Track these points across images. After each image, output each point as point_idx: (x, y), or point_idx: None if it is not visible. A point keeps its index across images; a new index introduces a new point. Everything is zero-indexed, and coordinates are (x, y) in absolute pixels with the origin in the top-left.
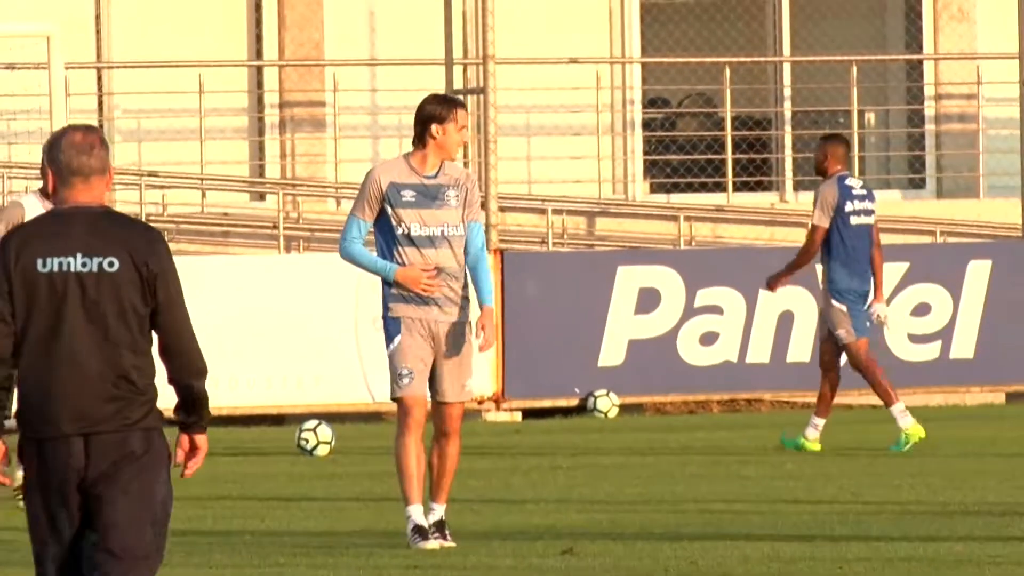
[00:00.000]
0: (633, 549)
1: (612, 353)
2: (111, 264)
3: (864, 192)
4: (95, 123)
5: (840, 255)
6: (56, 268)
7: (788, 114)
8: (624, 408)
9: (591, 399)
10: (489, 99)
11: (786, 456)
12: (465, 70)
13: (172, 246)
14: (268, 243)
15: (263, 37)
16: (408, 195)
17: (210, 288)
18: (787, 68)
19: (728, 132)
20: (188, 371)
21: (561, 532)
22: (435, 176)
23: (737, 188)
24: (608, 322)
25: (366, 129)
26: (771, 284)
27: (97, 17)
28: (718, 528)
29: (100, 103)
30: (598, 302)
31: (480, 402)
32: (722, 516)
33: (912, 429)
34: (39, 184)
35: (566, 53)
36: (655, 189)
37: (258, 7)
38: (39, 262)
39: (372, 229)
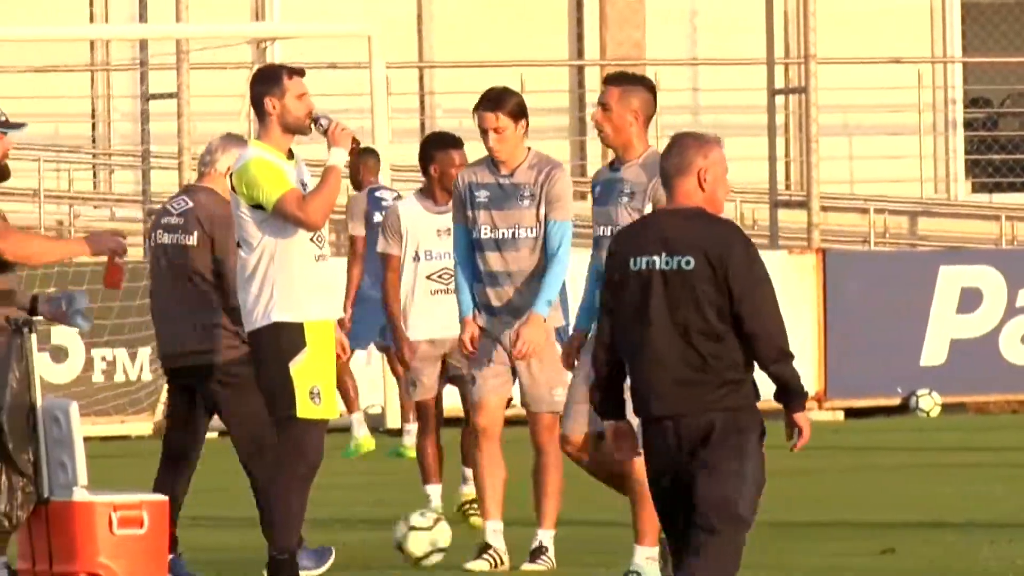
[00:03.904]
0: (952, 550)
1: (934, 352)
2: (687, 263)
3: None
4: (416, 122)
5: (369, 266)
6: (644, 266)
7: None
8: (946, 407)
9: (913, 398)
10: (811, 99)
11: None
12: (787, 69)
13: None
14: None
15: (584, 36)
16: (482, 195)
17: None
18: None
19: None
20: (766, 356)
21: (879, 531)
22: (511, 175)
23: None
24: (930, 321)
25: (687, 129)
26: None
27: (419, 16)
28: None
29: (422, 102)
30: (920, 301)
31: None
32: None
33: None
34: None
35: (887, 53)
36: (977, 189)
37: (579, 6)
38: (631, 261)
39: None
